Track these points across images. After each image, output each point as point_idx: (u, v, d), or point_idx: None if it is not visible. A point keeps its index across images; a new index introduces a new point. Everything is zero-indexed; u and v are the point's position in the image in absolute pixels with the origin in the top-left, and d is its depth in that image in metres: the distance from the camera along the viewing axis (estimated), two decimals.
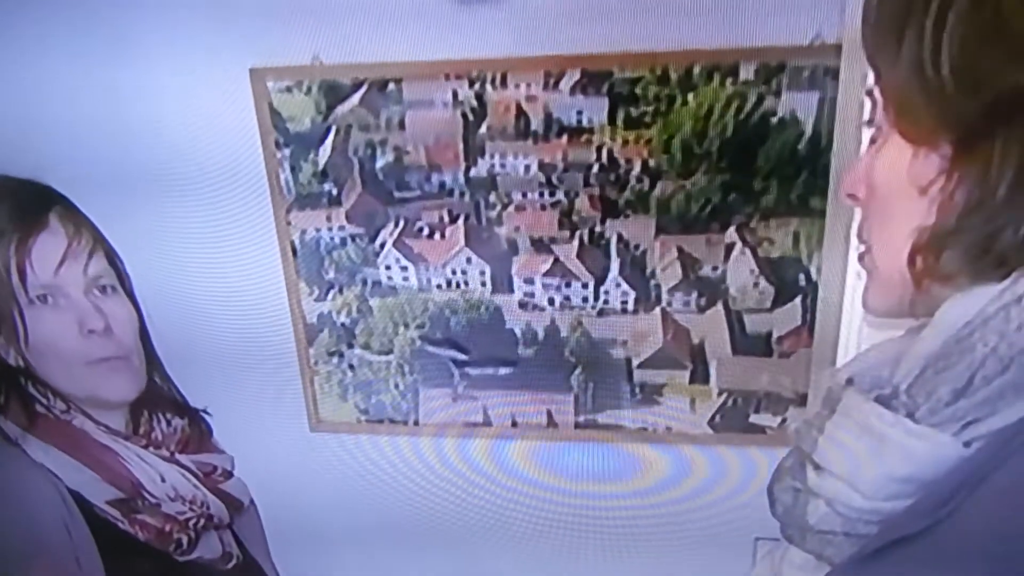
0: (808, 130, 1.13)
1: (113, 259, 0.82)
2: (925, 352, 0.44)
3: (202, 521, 0.80)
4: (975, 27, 0.39)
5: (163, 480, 0.77)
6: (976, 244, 0.41)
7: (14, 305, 0.71)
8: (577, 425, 1.40)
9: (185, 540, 0.78)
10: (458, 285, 1.34)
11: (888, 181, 0.47)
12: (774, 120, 1.13)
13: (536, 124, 1.21)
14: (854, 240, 1.10)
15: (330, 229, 1.34)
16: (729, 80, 1.13)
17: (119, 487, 0.74)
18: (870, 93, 0.48)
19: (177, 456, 0.82)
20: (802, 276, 1.22)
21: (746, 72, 1.12)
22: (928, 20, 0.40)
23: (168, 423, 0.86)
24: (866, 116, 0.51)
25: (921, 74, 0.41)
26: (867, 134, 0.51)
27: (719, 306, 1.27)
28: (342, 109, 1.25)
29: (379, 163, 1.28)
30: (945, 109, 0.41)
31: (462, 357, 1.39)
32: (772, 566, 0.61)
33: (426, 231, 1.31)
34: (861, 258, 0.53)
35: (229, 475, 0.89)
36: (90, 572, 0.70)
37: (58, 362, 0.74)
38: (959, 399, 0.42)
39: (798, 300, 1.24)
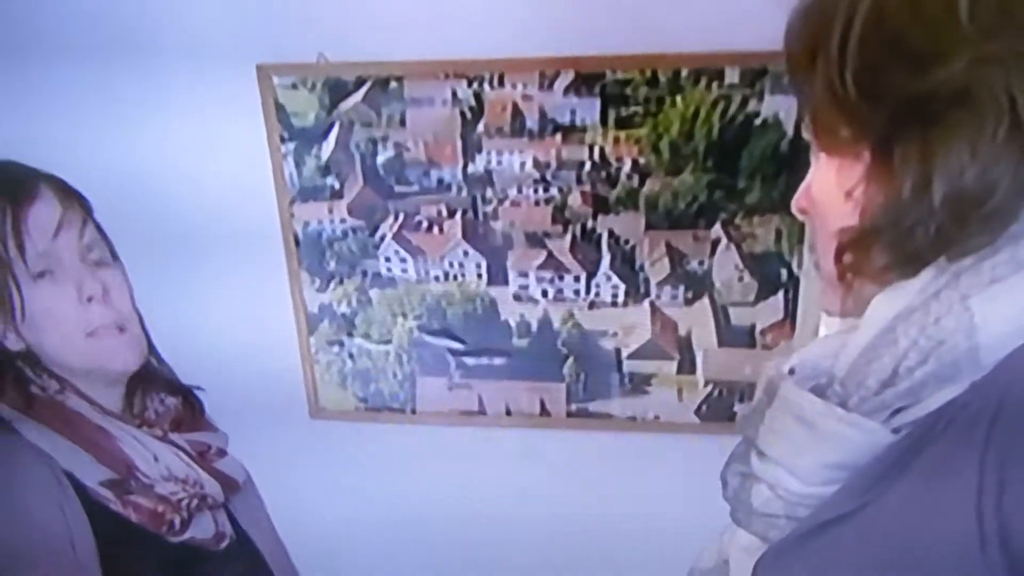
0: (789, 131, 1.18)
1: (103, 233, 0.81)
2: (859, 344, 0.47)
3: (195, 501, 0.79)
4: (875, 46, 0.44)
5: (157, 460, 0.77)
6: (893, 242, 0.45)
7: (11, 281, 0.70)
8: (569, 414, 1.45)
9: (178, 521, 0.76)
10: (455, 277, 1.39)
11: (822, 190, 0.52)
12: (757, 122, 1.19)
13: (531, 123, 1.26)
14: None
15: (332, 221, 1.39)
16: (715, 83, 1.18)
17: (112, 467, 0.74)
18: (802, 119, 0.54)
19: (170, 436, 0.81)
20: (784, 271, 1.28)
21: (731, 76, 1.17)
22: (834, 43, 0.45)
23: (162, 402, 0.86)
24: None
25: (832, 89, 0.46)
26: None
27: (705, 299, 1.32)
28: (345, 105, 1.30)
29: (380, 158, 1.33)
30: (853, 119, 0.46)
31: (458, 347, 1.44)
32: (721, 547, 0.66)
33: (425, 225, 1.36)
34: (815, 264, 0.57)
35: (223, 453, 0.88)
36: (84, 554, 0.69)
37: (58, 335, 0.73)
38: (885, 388, 0.45)
39: (780, 294, 1.29)
